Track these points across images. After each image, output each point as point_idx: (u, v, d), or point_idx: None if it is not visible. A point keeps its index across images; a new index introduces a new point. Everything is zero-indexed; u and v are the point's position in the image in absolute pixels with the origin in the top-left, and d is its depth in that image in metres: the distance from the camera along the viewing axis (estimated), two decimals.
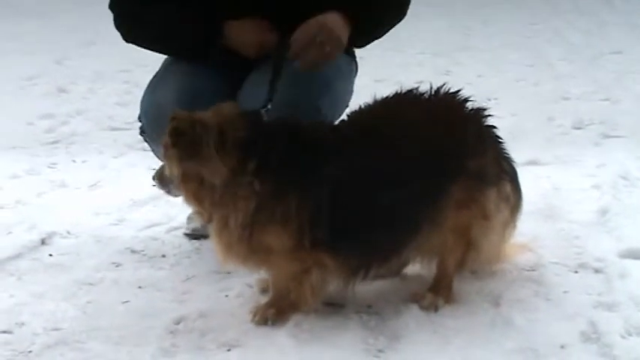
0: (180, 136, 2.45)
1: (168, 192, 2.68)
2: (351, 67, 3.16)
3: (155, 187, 2.73)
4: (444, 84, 2.73)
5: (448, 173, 2.59)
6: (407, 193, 2.54)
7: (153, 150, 3.15)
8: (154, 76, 3.15)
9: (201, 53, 2.96)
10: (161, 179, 2.64)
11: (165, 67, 3.16)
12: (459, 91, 2.73)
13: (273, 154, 2.48)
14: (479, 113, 2.74)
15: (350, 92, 3.12)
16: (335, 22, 2.74)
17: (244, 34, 2.89)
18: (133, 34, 3.06)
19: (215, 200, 2.51)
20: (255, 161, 2.46)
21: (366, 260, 2.61)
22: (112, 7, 3.05)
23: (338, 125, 2.74)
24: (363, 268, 2.61)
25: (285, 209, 2.48)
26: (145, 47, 3.11)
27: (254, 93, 2.86)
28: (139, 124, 3.18)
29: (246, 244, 2.52)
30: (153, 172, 2.71)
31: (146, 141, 3.20)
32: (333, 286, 2.61)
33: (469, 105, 2.72)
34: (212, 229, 2.60)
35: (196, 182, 2.51)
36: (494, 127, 2.76)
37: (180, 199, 2.67)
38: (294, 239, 2.50)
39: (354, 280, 2.62)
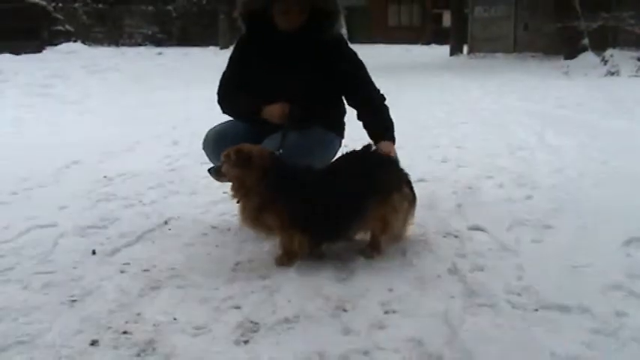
0: (239, 154, 2.54)
1: (218, 180, 2.68)
2: (335, 141, 3.11)
3: (210, 178, 2.69)
4: (368, 144, 2.72)
5: (370, 190, 2.57)
6: (348, 203, 2.53)
7: (208, 157, 3.16)
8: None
9: (250, 118, 3.04)
10: (217, 173, 2.64)
11: (227, 121, 3.22)
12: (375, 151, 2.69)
13: (274, 178, 2.52)
14: (388, 158, 2.71)
15: (332, 153, 3.04)
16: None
17: (273, 111, 2.94)
18: (223, 107, 3.17)
19: (243, 193, 2.57)
20: (266, 180, 2.51)
21: (326, 236, 2.62)
22: (218, 92, 3.18)
23: (310, 168, 2.62)
24: (324, 241, 2.63)
25: (275, 207, 2.50)
26: (227, 114, 3.18)
27: (268, 145, 2.87)
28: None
29: (254, 221, 2.56)
30: (208, 167, 2.72)
31: (206, 154, 3.19)
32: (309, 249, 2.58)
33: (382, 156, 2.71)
34: (238, 208, 2.62)
35: (237, 181, 2.58)
36: (397, 162, 2.74)
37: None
38: (281, 222, 2.53)
39: (321, 245, 2.63)
